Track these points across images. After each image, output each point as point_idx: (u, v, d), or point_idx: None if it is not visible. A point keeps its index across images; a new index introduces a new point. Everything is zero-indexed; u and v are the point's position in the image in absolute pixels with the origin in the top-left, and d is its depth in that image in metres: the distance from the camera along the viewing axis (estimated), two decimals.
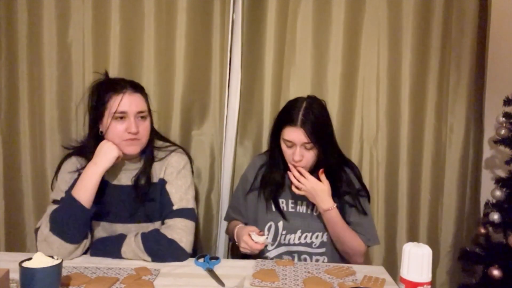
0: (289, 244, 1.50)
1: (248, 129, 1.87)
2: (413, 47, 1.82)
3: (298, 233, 1.50)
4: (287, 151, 1.44)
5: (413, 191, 1.90)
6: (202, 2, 1.75)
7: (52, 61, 1.72)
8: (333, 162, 1.47)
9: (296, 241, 1.49)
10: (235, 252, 1.85)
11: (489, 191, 1.94)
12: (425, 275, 1.03)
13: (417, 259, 1.03)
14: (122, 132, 1.34)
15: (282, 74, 1.82)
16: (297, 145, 1.40)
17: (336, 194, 1.48)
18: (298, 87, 1.82)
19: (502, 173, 1.98)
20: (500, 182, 1.89)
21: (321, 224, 1.49)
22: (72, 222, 1.25)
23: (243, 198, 1.59)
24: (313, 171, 1.50)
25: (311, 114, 1.39)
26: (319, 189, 1.41)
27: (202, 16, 1.76)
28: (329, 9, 1.79)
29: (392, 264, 1.88)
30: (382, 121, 1.86)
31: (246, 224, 1.55)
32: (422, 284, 1.03)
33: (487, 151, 2.05)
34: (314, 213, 1.51)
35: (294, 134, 1.38)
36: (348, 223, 1.49)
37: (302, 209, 1.52)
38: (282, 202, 1.53)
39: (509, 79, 1.97)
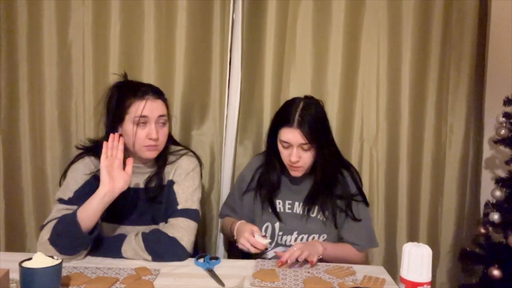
0: (286, 245, 1.50)
1: (248, 129, 1.87)
2: (413, 47, 1.82)
3: (295, 234, 1.49)
4: (283, 152, 1.43)
5: (413, 191, 1.90)
6: (202, 2, 1.75)
7: (52, 61, 1.72)
8: (330, 163, 1.46)
9: (293, 242, 1.49)
10: (233, 251, 1.85)
11: (489, 191, 1.94)
12: (425, 275, 1.03)
13: (417, 259, 1.03)
14: (143, 138, 1.35)
15: (282, 74, 1.82)
16: (294, 146, 1.39)
17: (329, 197, 1.47)
18: (298, 87, 1.82)
19: (502, 173, 1.98)
20: (500, 182, 1.89)
21: (317, 226, 1.49)
22: (69, 241, 1.24)
23: (238, 198, 1.59)
24: (310, 172, 1.49)
25: (308, 114, 1.38)
26: (306, 247, 1.33)
27: (202, 16, 1.76)
28: (329, 9, 1.79)
29: (392, 264, 1.88)
30: (382, 121, 1.86)
31: None
32: (422, 284, 1.03)
33: (487, 151, 2.05)
34: (311, 215, 1.50)
35: (291, 135, 1.38)
36: (341, 229, 1.49)
37: (299, 210, 1.51)
38: (279, 202, 1.52)
39: (509, 79, 1.96)
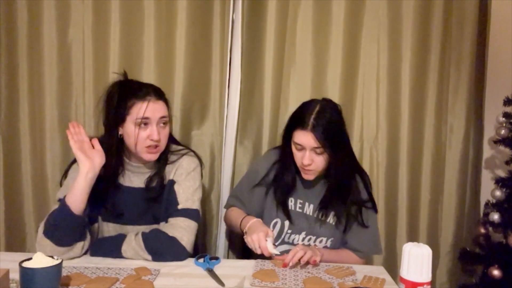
0: (292, 244, 1.50)
1: (248, 129, 1.87)
2: (413, 47, 1.82)
3: (303, 234, 1.49)
4: (297, 154, 1.41)
5: (413, 191, 1.90)
6: (202, 2, 1.75)
7: (52, 61, 1.73)
8: (344, 169, 1.43)
9: (300, 242, 1.49)
10: (233, 244, 1.85)
11: (489, 191, 1.94)
12: (425, 275, 1.03)
13: (417, 259, 1.03)
14: (144, 139, 1.35)
15: (282, 74, 1.82)
16: (307, 149, 1.36)
17: (343, 204, 1.46)
18: (298, 87, 1.82)
19: (502, 173, 1.98)
20: (500, 182, 1.89)
21: (326, 230, 1.48)
22: (62, 227, 1.24)
23: (248, 189, 1.56)
24: (325, 175, 1.48)
25: (323, 118, 1.34)
26: (308, 249, 1.33)
27: (202, 16, 1.76)
28: (329, 9, 1.79)
29: (392, 264, 1.88)
30: (382, 121, 1.86)
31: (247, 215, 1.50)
32: (422, 284, 1.03)
33: (487, 151, 2.05)
34: (321, 218, 1.49)
35: (304, 138, 1.35)
36: (346, 234, 1.48)
37: (309, 211, 1.50)
38: (291, 200, 1.51)
39: (509, 79, 1.97)
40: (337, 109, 1.43)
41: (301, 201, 1.51)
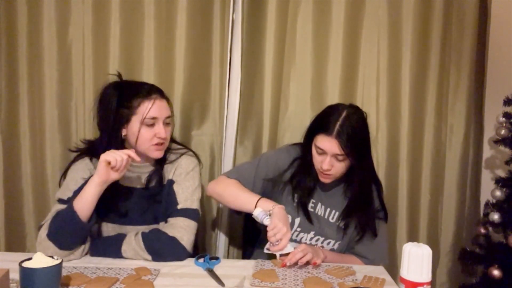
0: (300, 243, 1.48)
1: (248, 129, 1.87)
2: (413, 47, 1.82)
3: (311, 234, 1.49)
4: (317, 157, 1.39)
5: (413, 191, 1.90)
6: (202, 2, 1.75)
7: (52, 61, 1.72)
8: (365, 177, 1.43)
9: (308, 242, 1.48)
10: (235, 247, 1.85)
11: (489, 191, 1.94)
12: (425, 275, 1.03)
13: (417, 259, 1.03)
14: (151, 137, 1.36)
15: (282, 74, 1.82)
16: (328, 154, 1.35)
17: (364, 213, 1.45)
18: (298, 87, 1.82)
19: (502, 173, 1.98)
20: (500, 182, 1.89)
21: (335, 233, 1.48)
22: (67, 232, 1.25)
23: (258, 177, 1.49)
24: (341, 181, 1.47)
25: (349, 126, 1.32)
26: (311, 250, 1.32)
27: (202, 16, 1.76)
28: (329, 9, 1.79)
29: (392, 264, 1.88)
30: (382, 121, 1.86)
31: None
32: (422, 284, 1.03)
33: (487, 151, 2.05)
34: (331, 220, 1.48)
35: (328, 144, 1.34)
36: (353, 239, 1.48)
37: (320, 211, 1.49)
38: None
39: (509, 79, 1.97)
40: (363, 117, 1.41)
41: (314, 201, 1.50)
